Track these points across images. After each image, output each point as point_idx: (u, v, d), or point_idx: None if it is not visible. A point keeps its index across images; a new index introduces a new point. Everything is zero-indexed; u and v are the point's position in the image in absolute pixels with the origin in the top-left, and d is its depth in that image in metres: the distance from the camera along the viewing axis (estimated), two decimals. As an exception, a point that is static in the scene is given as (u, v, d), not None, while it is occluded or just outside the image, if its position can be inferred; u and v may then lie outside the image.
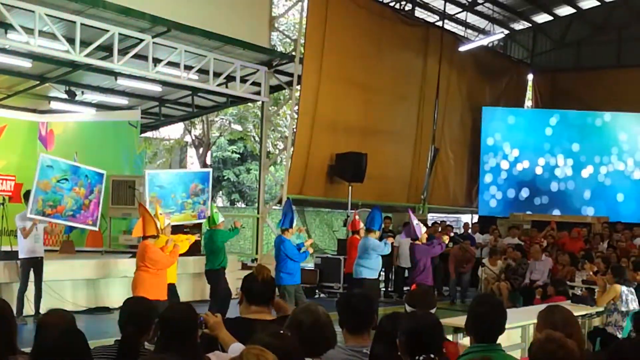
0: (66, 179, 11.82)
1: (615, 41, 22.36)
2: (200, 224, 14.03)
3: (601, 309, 9.21)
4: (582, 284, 11.85)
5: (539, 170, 20.68)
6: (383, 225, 11.91)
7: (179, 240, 9.87)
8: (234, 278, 12.89)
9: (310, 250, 11.29)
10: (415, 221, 11.59)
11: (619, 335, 8.53)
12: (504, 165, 20.70)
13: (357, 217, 12.14)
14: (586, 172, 20.65)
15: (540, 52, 23.95)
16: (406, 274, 15.19)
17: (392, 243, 11.81)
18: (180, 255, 9.94)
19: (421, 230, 11.52)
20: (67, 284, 11.86)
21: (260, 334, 3.19)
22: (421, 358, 3.38)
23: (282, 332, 3.26)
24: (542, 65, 23.95)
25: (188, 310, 3.91)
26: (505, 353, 4.08)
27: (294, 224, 11.04)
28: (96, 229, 13.01)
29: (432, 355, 3.39)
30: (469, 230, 17.88)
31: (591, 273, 11.49)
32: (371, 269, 11.00)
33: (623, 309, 8.79)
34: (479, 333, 3.99)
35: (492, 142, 20.75)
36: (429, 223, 18.44)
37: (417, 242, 11.52)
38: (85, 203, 12.23)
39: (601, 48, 22.56)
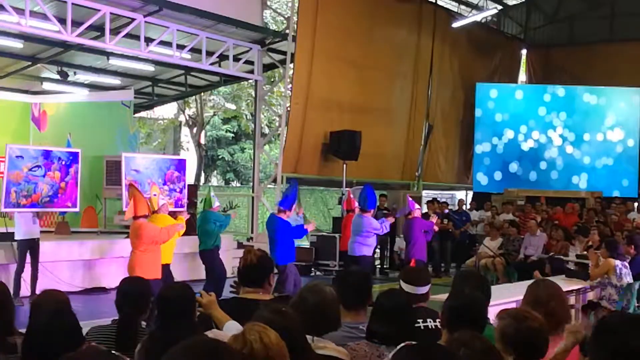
0: (38, 166, 11.78)
1: (608, 16, 22.32)
2: (195, 203, 14.11)
3: (595, 283, 9.27)
4: (575, 258, 11.91)
5: (533, 145, 20.71)
6: (378, 203, 11.91)
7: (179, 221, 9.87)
8: (229, 257, 12.97)
9: (312, 228, 11.29)
10: (410, 198, 11.63)
11: (613, 309, 8.60)
12: (498, 141, 20.72)
13: (351, 195, 12.14)
14: (579, 146, 20.70)
15: (533, 28, 23.89)
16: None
17: (391, 222, 11.81)
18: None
19: (414, 206, 11.50)
20: (63, 265, 11.89)
21: (261, 311, 3.20)
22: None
23: (283, 309, 3.27)
24: (536, 41, 23.90)
25: (186, 289, 3.93)
26: (493, 326, 4.12)
27: (294, 207, 10.99)
28: (77, 209, 13.02)
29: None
30: (464, 207, 17.92)
31: (591, 250, 11.50)
32: (367, 246, 11.04)
33: (617, 282, 8.85)
34: None
35: (486, 118, 20.73)
36: (424, 200, 18.50)
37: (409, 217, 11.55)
38: (62, 186, 12.20)
39: (594, 23, 22.53)
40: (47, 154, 12.11)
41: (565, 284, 8.38)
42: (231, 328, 3.82)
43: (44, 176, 11.85)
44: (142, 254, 8.82)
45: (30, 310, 3.87)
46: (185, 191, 13.25)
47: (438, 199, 17.81)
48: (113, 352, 3.21)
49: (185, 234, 10.93)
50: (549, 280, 4.52)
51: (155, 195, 9.92)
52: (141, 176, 12.46)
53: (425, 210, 15.91)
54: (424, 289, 4.57)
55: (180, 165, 13.31)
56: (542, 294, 4.11)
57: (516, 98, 20.90)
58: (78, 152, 12.75)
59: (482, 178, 20.73)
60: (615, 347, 2.47)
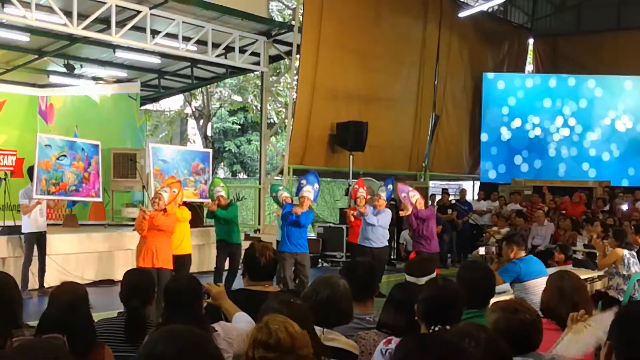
0: (64, 155, 11.89)
1: (616, 4, 22.19)
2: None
3: (602, 272, 9.25)
4: (583, 248, 11.89)
5: (540, 135, 20.65)
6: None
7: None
8: (237, 249, 12.95)
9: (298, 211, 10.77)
10: (402, 194, 11.47)
11: (621, 299, 8.59)
12: (505, 130, 20.67)
13: (357, 186, 12.06)
14: (587, 135, 20.63)
15: (540, 17, 23.78)
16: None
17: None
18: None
19: (411, 200, 11.34)
20: (71, 258, 11.93)
21: (270, 301, 3.21)
22: (437, 329, 3.39)
23: (292, 300, 3.28)
24: (542, 30, 23.79)
25: (191, 281, 3.94)
26: None
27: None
28: (100, 199, 13.11)
29: (447, 327, 3.39)
30: (466, 197, 17.88)
31: (595, 236, 11.48)
32: (369, 239, 10.99)
33: (624, 272, 8.82)
34: (470, 299, 4.03)
35: (493, 108, 20.69)
36: (430, 191, 18.49)
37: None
38: (85, 176, 12.32)
39: (601, 11, 22.40)
40: (71, 145, 12.21)
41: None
42: (240, 319, 3.84)
43: (69, 165, 11.96)
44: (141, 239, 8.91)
45: (48, 300, 3.89)
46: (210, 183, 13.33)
47: (448, 189, 17.75)
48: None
49: (193, 225, 10.91)
50: (572, 272, 4.48)
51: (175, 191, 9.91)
52: (168, 166, 12.53)
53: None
54: (425, 280, 4.58)
55: (205, 157, 13.38)
56: (566, 287, 4.08)
57: (523, 87, 20.83)
58: (98, 144, 12.84)
59: (489, 168, 20.70)
60: (636, 335, 2.48)
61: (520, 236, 7.97)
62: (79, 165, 12.19)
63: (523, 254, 6.86)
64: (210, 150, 14.56)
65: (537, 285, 6.44)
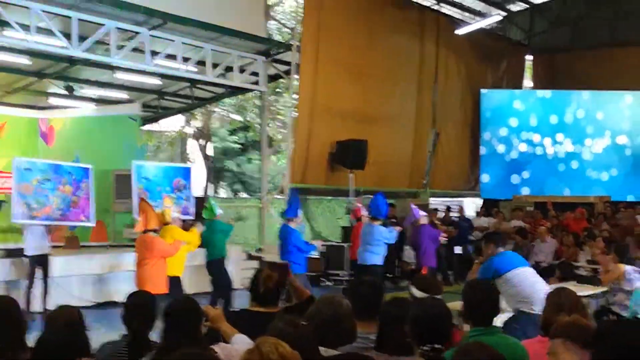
0: (48, 179, 11.85)
1: (613, 19, 22.23)
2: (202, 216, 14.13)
3: (606, 288, 9.22)
4: (586, 264, 11.86)
5: (540, 151, 20.67)
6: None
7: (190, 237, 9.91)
8: (238, 268, 12.98)
9: (318, 244, 11.17)
10: (413, 205, 11.65)
11: (624, 314, 8.56)
12: (505, 147, 20.68)
13: (359, 204, 12.15)
14: (586, 150, 20.65)
15: (537, 33, 23.85)
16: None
17: (399, 231, 11.74)
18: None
19: (419, 213, 11.48)
20: (74, 280, 11.92)
21: (276, 322, 3.22)
22: (426, 348, 3.37)
23: (297, 321, 3.28)
24: (540, 46, 23.87)
25: (191, 303, 3.92)
26: (503, 335, 4.13)
27: (299, 214, 10.96)
28: (93, 224, 13.06)
29: (436, 346, 3.38)
30: (464, 213, 17.88)
31: (597, 252, 11.45)
32: (378, 254, 11.00)
33: (627, 288, 8.80)
34: (475, 318, 4.04)
35: (492, 125, 20.72)
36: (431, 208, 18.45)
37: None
38: (74, 200, 12.28)
39: (599, 27, 22.46)
40: (57, 168, 12.18)
41: (577, 290, 8.33)
42: (239, 341, 3.83)
43: (53, 189, 11.92)
44: (151, 268, 8.86)
45: (44, 324, 3.89)
46: (192, 199, 13.35)
47: (438, 208, 17.70)
48: None
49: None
50: (569, 289, 4.53)
51: (168, 207, 9.99)
52: (151, 184, 12.54)
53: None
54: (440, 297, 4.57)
55: (186, 173, 13.40)
56: (564, 303, 4.11)
57: (522, 103, 20.87)
58: (89, 168, 12.83)
59: (489, 184, 20.69)
60: (614, 351, 2.49)
61: (498, 234, 8.07)
62: (65, 189, 12.14)
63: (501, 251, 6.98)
64: (190, 167, 14.66)
65: (516, 275, 6.73)
